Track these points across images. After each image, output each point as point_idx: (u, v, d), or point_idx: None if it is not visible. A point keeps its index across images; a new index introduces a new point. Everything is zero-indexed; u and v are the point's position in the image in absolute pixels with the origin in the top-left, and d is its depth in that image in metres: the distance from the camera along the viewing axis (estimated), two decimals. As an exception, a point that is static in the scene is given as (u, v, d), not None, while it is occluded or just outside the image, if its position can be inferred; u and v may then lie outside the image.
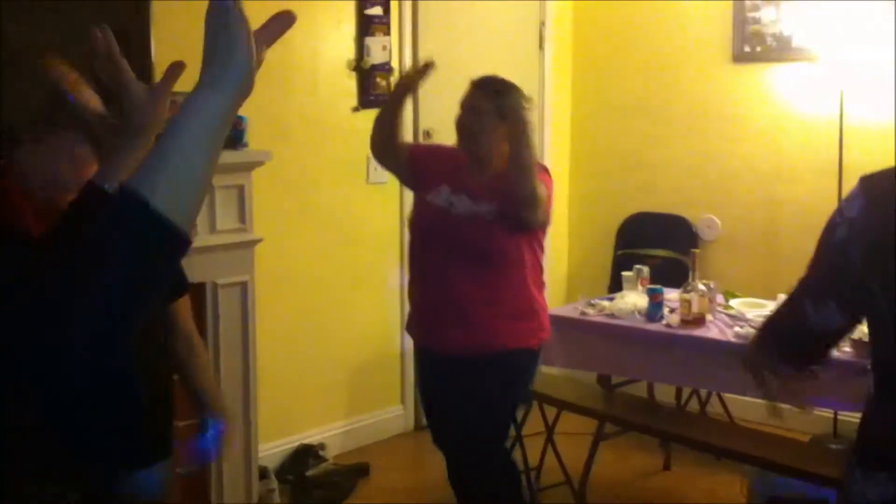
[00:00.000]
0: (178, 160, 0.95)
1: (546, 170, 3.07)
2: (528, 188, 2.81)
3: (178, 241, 0.95)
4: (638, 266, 4.11)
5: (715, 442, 3.56)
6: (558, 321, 3.87)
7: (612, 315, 3.81)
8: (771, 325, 1.77)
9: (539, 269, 3.13)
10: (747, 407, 4.37)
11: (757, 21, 4.82)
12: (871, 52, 4.34)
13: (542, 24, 5.29)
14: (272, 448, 4.10)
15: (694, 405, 4.39)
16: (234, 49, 0.97)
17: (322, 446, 4.21)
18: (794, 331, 1.70)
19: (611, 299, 3.97)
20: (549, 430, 3.95)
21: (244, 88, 0.99)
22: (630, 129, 5.33)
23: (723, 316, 3.73)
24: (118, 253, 0.93)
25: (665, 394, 4.40)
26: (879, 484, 1.56)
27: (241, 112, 3.81)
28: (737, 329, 3.55)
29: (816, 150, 4.62)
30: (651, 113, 5.24)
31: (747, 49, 4.87)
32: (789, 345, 1.73)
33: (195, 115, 0.96)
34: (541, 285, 3.16)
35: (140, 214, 0.92)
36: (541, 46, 5.30)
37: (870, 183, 1.58)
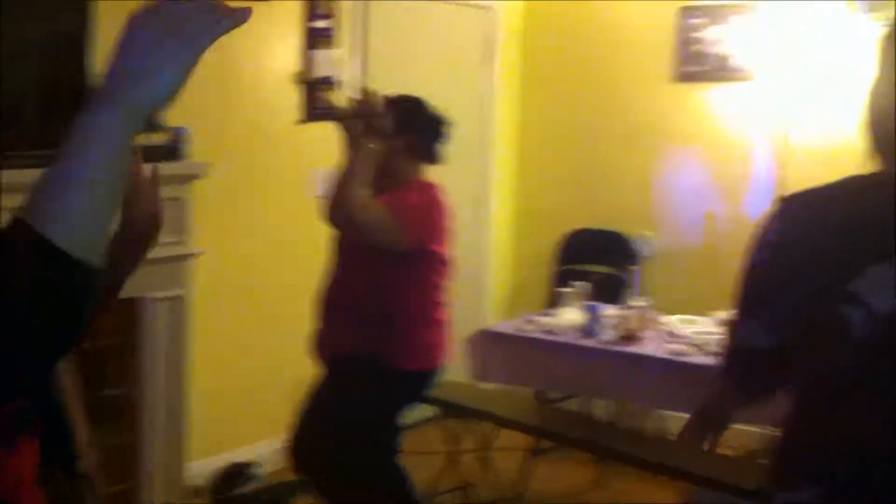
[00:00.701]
0: (79, 184, 0.87)
1: (414, 188, 3.02)
2: (333, 212, 2.82)
3: (79, 273, 0.87)
4: (577, 282, 4.15)
5: (650, 457, 3.59)
6: (497, 337, 3.90)
7: (550, 331, 3.84)
8: (724, 354, 1.78)
9: (428, 294, 3.08)
10: (682, 423, 4.43)
11: (699, 41, 4.92)
12: (808, 73, 4.46)
13: (488, 41, 5.35)
14: (206, 465, 4.05)
15: (630, 421, 4.43)
16: (163, 69, 0.90)
17: (254, 464, 4.17)
18: (734, 353, 1.73)
19: (550, 315, 4.01)
20: (486, 446, 3.96)
21: (159, 110, 0.91)
22: (576, 147, 5.40)
23: (659, 333, 3.78)
24: (16, 293, 0.84)
25: (602, 410, 4.44)
26: (802, 501, 1.58)
27: (183, 123, 3.76)
28: (672, 346, 3.60)
29: (753, 168, 4.73)
30: (596, 131, 5.31)
31: (689, 69, 4.96)
32: (734, 369, 1.75)
33: (99, 133, 0.88)
34: (425, 313, 3.08)
35: (35, 250, 0.84)
36: (485, 63, 5.36)
37: (787, 204, 1.63)
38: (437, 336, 3.12)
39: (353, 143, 2.82)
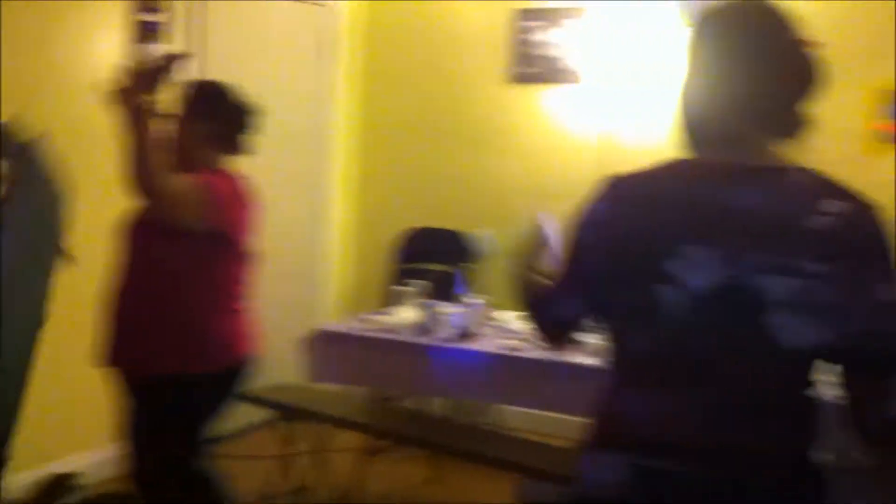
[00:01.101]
0: None
1: (216, 174, 2.82)
2: (135, 179, 2.59)
3: None
4: (414, 280, 4.16)
5: (484, 451, 3.63)
6: (333, 337, 3.85)
7: (386, 330, 3.83)
8: (531, 306, 1.86)
9: (225, 288, 2.86)
10: (517, 416, 4.52)
11: (532, 44, 5.03)
12: (634, 75, 4.64)
13: (325, 38, 5.31)
14: (26, 477, 3.83)
15: (467, 417, 4.48)
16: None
17: (77, 475, 3.99)
18: (546, 315, 1.80)
19: (386, 314, 4.00)
20: (322, 447, 3.92)
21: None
22: (417, 146, 5.44)
23: (494, 329, 3.83)
24: None
25: (439, 406, 4.47)
26: (615, 468, 1.61)
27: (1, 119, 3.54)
28: (506, 341, 3.65)
29: (581, 166, 4.87)
30: (437, 130, 5.37)
31: (523, 70, 5.07)
32: (543, 325, 1.84)
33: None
34: (222, 307, 2.85)
35: None
36: (322, 60, 5.32)
37: (611, 185, 1.69)
38: (236, 329, 2.87)
39: (134, 113, 2.59)
